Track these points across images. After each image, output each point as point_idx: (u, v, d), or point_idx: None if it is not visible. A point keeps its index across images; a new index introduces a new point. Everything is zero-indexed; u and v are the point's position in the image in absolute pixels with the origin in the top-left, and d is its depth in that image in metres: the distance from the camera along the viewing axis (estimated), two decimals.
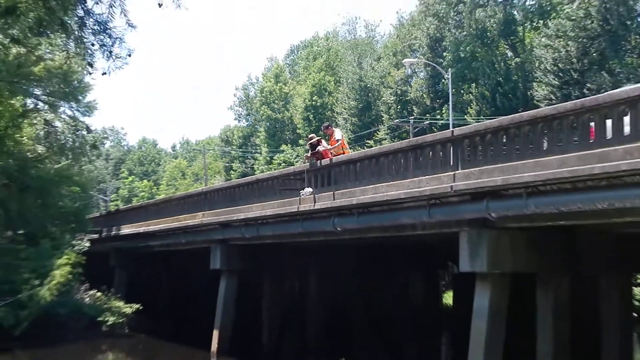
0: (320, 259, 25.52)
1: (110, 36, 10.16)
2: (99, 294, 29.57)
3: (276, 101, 72.17)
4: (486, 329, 13.67)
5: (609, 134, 10.97)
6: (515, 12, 45.66)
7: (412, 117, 45.61)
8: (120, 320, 28.45)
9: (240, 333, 24.58)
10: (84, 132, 34.00)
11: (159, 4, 9.31)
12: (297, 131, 65.41)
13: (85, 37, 10.52)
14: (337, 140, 19.07)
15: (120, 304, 29.40)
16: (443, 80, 45.27)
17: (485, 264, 13.68)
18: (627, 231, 15.69)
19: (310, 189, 18.30)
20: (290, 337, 27.83)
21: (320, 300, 27.06)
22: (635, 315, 23.13)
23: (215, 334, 23.98)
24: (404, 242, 25.14)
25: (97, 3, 9.84)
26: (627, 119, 10.78)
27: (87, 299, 28.98)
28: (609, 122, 11.00)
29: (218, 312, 24.33)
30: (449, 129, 23.02)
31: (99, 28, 10.13)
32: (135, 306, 29.42)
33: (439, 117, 45.33)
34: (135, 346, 27.75)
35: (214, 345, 23.78)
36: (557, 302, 14.62)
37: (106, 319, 28.00)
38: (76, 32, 10.63)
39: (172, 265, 35.92)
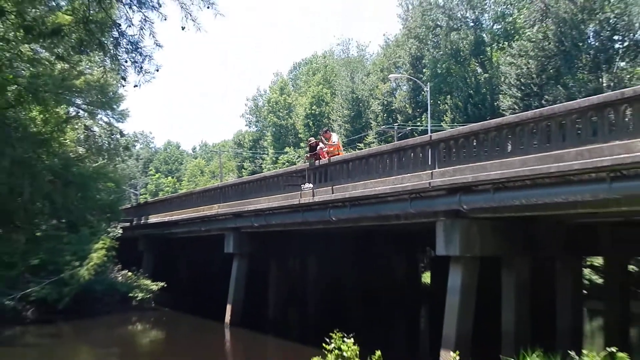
0: (319, 244, 25.51)
1: (141, 54, 10.12)
2: (129, 273, 29.52)
3: (281, 110, 72.06)
4: (459, 304, 13.70)
5: (564, 138, 11.01)
6: (484, 35, 45.57)
7: (397, 124, 45.63)
8: (148, 296, 28.46)
9: (249, 307, 24.59)
10: (118, 136, 33.99)
11: (182, 27, 9.29)
12: (299, 135, 65.26)
13: (119, 55, 10.50)
14: (334, 142, 19.06)
15: (148, 282, 29.39)
16: (423, 93, 45.21)
17: (458, 249, 13.70)
18: (579, 221, 15.77)
19: (310, 185, 18.27)
20: (293, 311, 27.88)
21: (319, 280, 27.09)
22: (585, 292, 23.25)
23: (228, 308, 24.02)
24: (389, 230, 25.22)
25: (130, 26, 9.82)
26: (579, 126, 10.83)
27: (120, 278, 28.94)
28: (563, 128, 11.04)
29: (231, 289, 24.35)
30: (427, 134, 23.05)
31: (131, 47, 10.10)
32: (160, 284, 29.41)
33: (419, 124, 45.28)
34: (160, 318, 27.76)
35: (227, 318, 23.83)
36: (519, 281, 14.66)
37: (136, 295, 28.01)
38: (112, 51, 10.63)
39: (192, 250, 35.90)
